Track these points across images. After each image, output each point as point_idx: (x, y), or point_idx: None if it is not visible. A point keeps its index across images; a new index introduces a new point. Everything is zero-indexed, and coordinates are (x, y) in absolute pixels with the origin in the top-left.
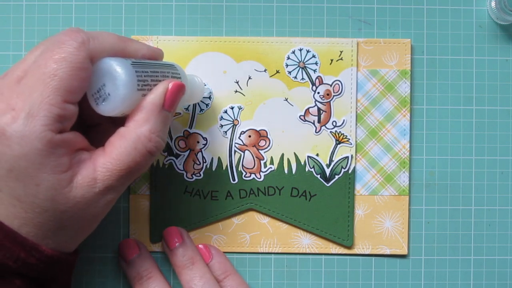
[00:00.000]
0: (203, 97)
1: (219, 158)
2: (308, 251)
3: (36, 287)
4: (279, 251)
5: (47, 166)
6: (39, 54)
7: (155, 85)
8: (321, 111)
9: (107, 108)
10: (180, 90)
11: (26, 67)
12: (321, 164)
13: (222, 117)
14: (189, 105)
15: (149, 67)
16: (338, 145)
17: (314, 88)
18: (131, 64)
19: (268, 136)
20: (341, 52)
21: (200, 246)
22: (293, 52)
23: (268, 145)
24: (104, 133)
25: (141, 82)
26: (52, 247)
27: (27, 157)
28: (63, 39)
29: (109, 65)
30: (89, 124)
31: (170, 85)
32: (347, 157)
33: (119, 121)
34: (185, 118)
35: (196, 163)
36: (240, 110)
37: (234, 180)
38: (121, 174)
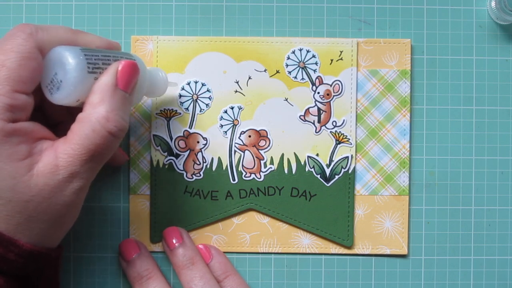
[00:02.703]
0: (203, 97)
1: (219, 158)
2: (308, 251)
3: (20, 285)
4: (279, 251)
5: (2, 154)
6: None
7: (106, 68)
8: (321, 111)
9: (61, 96)
10: (132, 68)
11: None
12: (321, 164)
13: (222, 117)
14: (189, 105)
15: (100, 52)
16: (338, 145)
17: (314, 88)
18: (80, 49)
19: (268, 136)
20: (341, 52)
21: (200, 246)
22: (293, 52)
23: (268, 145)
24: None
25: (92, 65)
26: (30, 242)
27: None
28: (12, 32)
29: (57, 52)
30: (53, 123)
31: (121, 64)
32: (347, 157)
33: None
34: (185, 118)
35: (196, 163)
36: (240, 110)
37: (234, 180)
38: (83, 159)
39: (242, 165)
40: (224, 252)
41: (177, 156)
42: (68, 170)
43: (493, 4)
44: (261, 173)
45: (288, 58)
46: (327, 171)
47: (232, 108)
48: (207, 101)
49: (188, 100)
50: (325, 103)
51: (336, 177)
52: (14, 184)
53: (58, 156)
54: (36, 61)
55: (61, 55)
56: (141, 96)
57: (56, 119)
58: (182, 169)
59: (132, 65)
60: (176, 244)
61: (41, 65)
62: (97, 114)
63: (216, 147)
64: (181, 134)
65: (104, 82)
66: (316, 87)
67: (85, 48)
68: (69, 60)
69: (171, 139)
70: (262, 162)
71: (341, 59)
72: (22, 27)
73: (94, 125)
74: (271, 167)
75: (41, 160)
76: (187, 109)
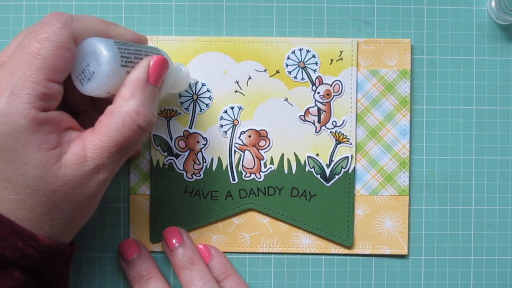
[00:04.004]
0: (203, 97)
1: (219, 158)
2: (308, 251)
3: (35, 279)
4: (279, 251)
5: (33, 143)
6: (23, 36)
7: (138, 62)
8: (321, 111)
9: (92, 87)
10: (163, 64)
11: (9, 53)
12: (321, 164)
13: (222, 117)
14: (189, 105)
15: (132, 45)
16: (338, 145)
17: (314, 88)
18: (114, 42)
19: (268, 136)
20: (341, 52)
21: (200, 246)
22: (293, 52)
23: (268, 145)
24: (91, 121)
25: (125, 59)
26: (48, 236)
27: (12, 135)
28: (46, 20)
29: (91, 43)
30: (75, 112)
31: (153, 60)
32: (347, 157)
33: (104, 107)
34: (185, 118)
35: (196, 163)
36: (240, 110)
37: (234, 180)
38: (111, 151)
39: (242, 165)
40: (224, 252)
41: (177, 156)
42: (96, 161)
43: (493, 4)
44: (261, 173)
45: (288, 58)
46: (327, 171)
47: (232, 108)
48: (207, 101)
49: (188, 100)
50: (325, 103)
51: (336, 177)
52: (43, 173)
53: (86, 147)
54: (70, 51)
55: (95, 47)
56: (166, 91)
57: (78, 108)
58: (182, 169)
59: (163, 61)
60: (176, 244)
61: (74, 55)
62: (128, 108)
63: (216, 147)
64: (181, 134)
65: (136, 77)
66: (316, 87)
67: (118, 41)
68: (103, 52)
69: (171, 139)
70: (262, 162)
71: (341, 59)
72: (57, 16)
73: (125, 118)
74: (271, 167)
75: (69, 150)
76: (187, 109)
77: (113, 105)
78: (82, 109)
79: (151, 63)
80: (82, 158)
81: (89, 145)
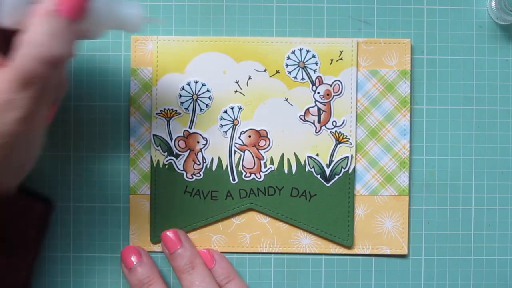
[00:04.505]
0: (203, 97)
1: (219, 158)
2: (308, 251)
3: None
4: (279, 251)
5: None
6: None
7: None
8: (321, 111)
9: None
10: None
11: None
12: (321, 164)
13: (222, 117)
14: (189, 105)
15: None
16: (338, 145)
17: (314, 88)
18: None
19: (268, 136)
20: (341, 52)
21: (204, 250)
22: (293, 52)
23: (268, 145)
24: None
25: None
26: None
27: None
28: None
29: None
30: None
31: None
32: (347, 157)
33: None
34: (185, 118)
35: (196, 163)
36: (240, 110)
37: (234, 180)
38: (15, 85)
39: (242, 165)
40: (224, 252)
41: (177, 156)
42: (4, 96)
43: (493, 4)
44: (261, 173)
45: (288, 58)
46: (327, 171)
47: (232, 108)
48: (207, 101)
49: (188, 100)
50: (325, 103)
51: (336, 177)
52: None
53: None
54: None
55: None
56: (101, 28)
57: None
58: (182, 169)
59: None
60: (175, 248)
61: None
62: (30, 37)
63: (216, 147)
64: (181, 134)
65: (41, 6)
66: (316, 87)
67: None
68: None
69: (171, 139)
70: (262, 162)
71: (341, 59)
72: None
73: (28, 49)
74: (271, 167)
75: None
76: (187, 109)
77: (20, 37)
78: None
79: None
80: None
81: None
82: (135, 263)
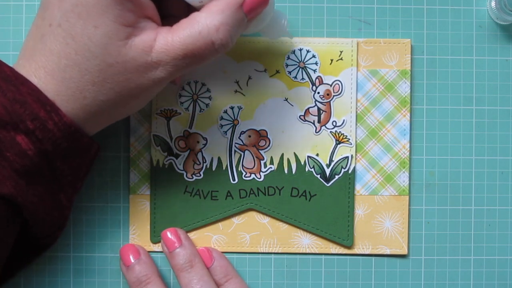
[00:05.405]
0: (203, 97)
1: (219, 158)
2: (308, 251)
3: (44, 161)
4: (279, 251)
5: (111, 12)
6: None
7: None
8: (321, 111)
9: None
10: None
11: None
12: (321, 164)
13: (222, 117)
14: (189, 105)
15: None
16: (338, 145)
17: (314, 88)
18: None
19: (268, 136)
20: (341, 52)
21: (202, 248)
22: (293, 52)
23: (268, 145)
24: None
25: None
26: (73, 117)
27: None
28: None
29: None
30: (165, 14)
31: None
32: (347, 157)
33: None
34: (185, 118)
35: (196, 163)
36: (240, 110)
37: (234, 180)
38: (177, 53)
39: (242, 165)
40: (224, 252)
41: (177, 156)
42: (159, 56)
43: (493, 4)
44: (261, 173)
45: (288, 58)
46: (327, 171)
47: (232, 108)
48: (207, 101)
49: (188, 100)
50: (325, 103)
51: (336, 177)
52: (107, 43)
53: (157, 40)
54: None
55: None
56: (254, 29)
57: (170, 10)
58: (182, 169)
59: None
60: (175, 246)
61: None
62: (210, 21)
63: (216, 147)
64: (181, 134)
65: None
66: (316, 87)
67: None
68: None
69: (171, 139)
70: (262, 162)
71: (341, 59)
72: None
73: (203, 28)
74: (271, 167)
75: (140, 35)
76: (187, 109)
77: (198, 13)
78: (173, 13)
79: None
80: (149, 47)
81: (160, 39)
82: (133, 261)
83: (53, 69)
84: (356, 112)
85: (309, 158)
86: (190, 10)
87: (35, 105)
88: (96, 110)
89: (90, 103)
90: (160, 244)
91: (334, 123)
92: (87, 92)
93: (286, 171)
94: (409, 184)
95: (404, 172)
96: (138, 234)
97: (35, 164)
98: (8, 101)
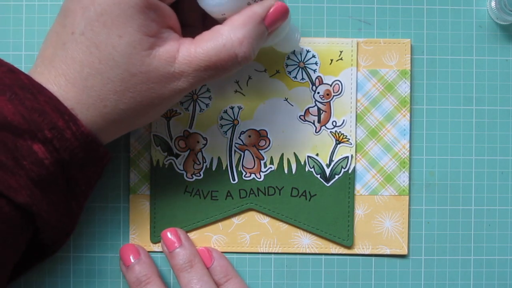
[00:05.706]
0: (203, 97)
1: (219, 158)
2: (308, 251)
3: (60, 170)
4: (279, 251)
5: (135, 21)
6: None
7: (262, 1)
8: (321, 111)
9: (212, 3)
10: (284, 12)
11: None
12: (321, 164)
13: (222, 117)
14: (189, 104)
15: None
16: (338, 145)
17: (314, 88)
18: None
19: (268, 136)
20: (341, 52)
21: (202, 248)
22: (293, 52)
23: (268, 145)
24: (193, 37)
25: None
26: (90, 127)
27: (121, 5)
28: None
29: None
30: (183, 23)
31: (277, 4)
32: (347, 157)
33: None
34: (185, 118)
35: (196, 163)
36: (240, 110)
37: (234, 180)
38: (200, 65)
39: (242, 165)
40: (224, 252)
41: (177, 156)
42: (182, 67)
43: (493, 4)
44: (261, 173)
45: (288, 58)
46: (327, 171)
47: (232, 108)
48: (207, 101)
49: (188, 100)
50: (325, 103)
51: (336, 177)
52: (131, 52)
53: (180, 51)
54: None
55: None
56: (271, 42)
57: (187, 21)
58: (182, 169)
59: (286, 10)
60: (175, 246)
61: None
62: (234, 34)
63: (216, 147)
64: (181, 134)
65: (254, 11)
66: (316, 87)
67: None
68: None
69: (171, 139)
70: (262, 162)
71: (341, 59)
72: None
73: (227, 41)
74: (271, 167)
75: (163, 45)
76: (187, 109)
77: (221, 26)
78: (191, 23)
79: (273, 6)
80: (172, 58)
81: (183, 50)
82: (133, 261)
83: (75, 77)
84: (356, 112)
85: (309, 158)
86: (205, 21)
87: (53, 114)
88: (116, 118)
89: (110, 111)
90: (160, 244)
91: (334, 123)
92: (108, 100)
93: (286, 171)
94: (409, 184)
95: (404, 172)
96: (138, 234)
97: (51, 173)
98: (26, 110)
